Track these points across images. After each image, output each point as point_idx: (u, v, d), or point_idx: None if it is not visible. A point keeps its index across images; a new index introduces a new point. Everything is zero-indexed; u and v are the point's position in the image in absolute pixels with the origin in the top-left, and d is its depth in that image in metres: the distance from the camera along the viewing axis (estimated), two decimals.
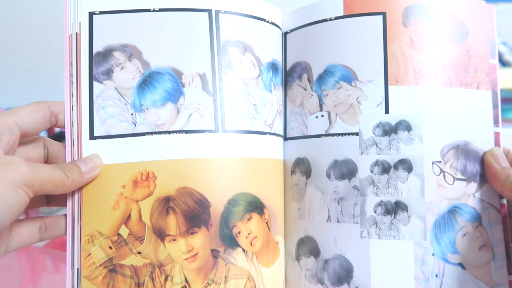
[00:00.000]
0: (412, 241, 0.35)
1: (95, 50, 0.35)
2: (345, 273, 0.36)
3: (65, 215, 0.35)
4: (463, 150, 0.36)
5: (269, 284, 0.37)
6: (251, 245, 0.36)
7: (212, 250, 0.35)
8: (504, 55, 0.91)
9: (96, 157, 0.34)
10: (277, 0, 0.41)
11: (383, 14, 0.38)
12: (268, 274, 0.37)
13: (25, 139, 0.34)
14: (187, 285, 0.34)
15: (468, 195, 0.36)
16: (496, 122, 0.38)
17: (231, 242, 0.35)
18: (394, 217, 0.35)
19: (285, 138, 0.42)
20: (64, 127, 0.35)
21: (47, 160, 0.35)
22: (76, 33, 0.36)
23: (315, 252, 0.38)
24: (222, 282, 0.34)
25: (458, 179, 0.36)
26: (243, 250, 0.36)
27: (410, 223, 0.35)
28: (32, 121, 0.33)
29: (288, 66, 0.42)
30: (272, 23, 0.41)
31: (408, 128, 0.36)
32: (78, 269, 0.33)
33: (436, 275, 0.34)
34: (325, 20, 0.40)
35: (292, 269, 0.39)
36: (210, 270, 0.34)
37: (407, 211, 0.35)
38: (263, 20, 0.40)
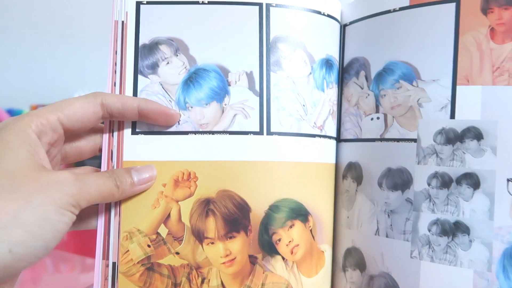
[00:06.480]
0: (472, 270, 0.30)
1: (141, 42, 0.35)
2: None
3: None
4: None
5: None
6: (292, 253, 0.35)
7: (250, 256, 0.34)
8: None
9: (152, 169, 0.33)
10: None
11: (457, 1, 0.32)
12: (309, 284, 0.35)
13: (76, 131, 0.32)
14: None
15: None
16: None
17: (270, 249, 0.34)
18: (452, 239, 0.31)
19: (339, 140, 0.39)
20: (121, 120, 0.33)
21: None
22: (123, 22, 0.35)
23: (361, 265, 0.35)
24: None
25: None
26: (283, 258, 0.35)
27: (471, 249, 0.30)
28: (80, 120, 0.29)
29: (346, 62, 0.39)
30: (329, 16, 0.38)
31: (478, 136, 0.31)
32: (114, 263, 0.33)
33: None
34: (389, 11, 0.36)
35: (339, 279, 0.37)
36: (247, 276, 0.34)
37: (468, 235, 0.30)
38: (319, 12, 0.37)
